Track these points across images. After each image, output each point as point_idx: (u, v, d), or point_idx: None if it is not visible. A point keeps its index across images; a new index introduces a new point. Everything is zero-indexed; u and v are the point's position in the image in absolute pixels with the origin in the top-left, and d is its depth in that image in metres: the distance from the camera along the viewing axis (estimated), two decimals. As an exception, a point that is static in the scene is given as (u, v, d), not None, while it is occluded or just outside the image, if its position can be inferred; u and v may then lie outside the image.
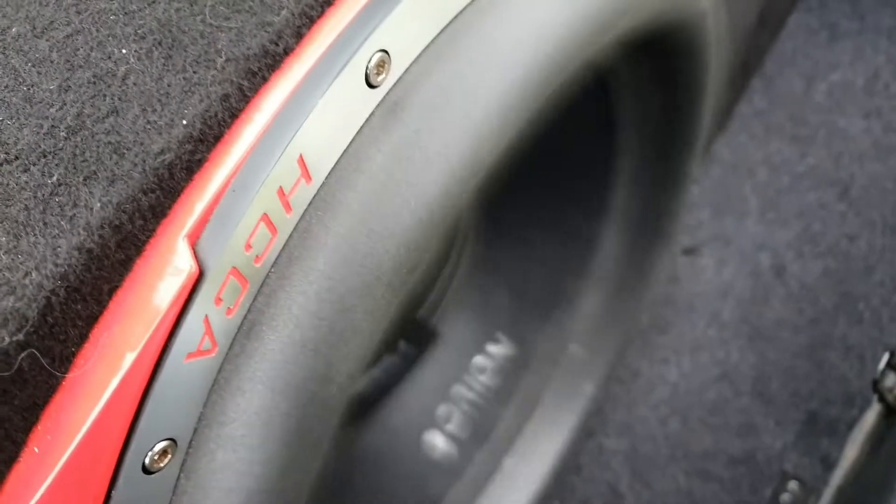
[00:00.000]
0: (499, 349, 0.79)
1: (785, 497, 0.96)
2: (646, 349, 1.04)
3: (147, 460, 0.32)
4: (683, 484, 0.98)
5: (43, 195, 0.30)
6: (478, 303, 0.79)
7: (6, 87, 0.33)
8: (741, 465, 0.98)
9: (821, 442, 0.98)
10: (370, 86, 0.35)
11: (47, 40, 0.34)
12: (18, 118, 0.32)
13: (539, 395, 0.80)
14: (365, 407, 0.74)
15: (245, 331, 0.33)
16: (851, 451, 0.93)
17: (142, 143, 0.31)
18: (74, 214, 0.29)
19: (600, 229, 0.72)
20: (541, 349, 0.79)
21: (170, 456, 0.33)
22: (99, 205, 0.30)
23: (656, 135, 0.63)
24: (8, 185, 0.30)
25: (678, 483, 0.98)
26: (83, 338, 0.30)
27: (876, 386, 0.92)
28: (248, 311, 0.33)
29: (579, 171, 0.68)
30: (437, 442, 0.77)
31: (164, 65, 0.33)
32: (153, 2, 0.35)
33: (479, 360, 0.79)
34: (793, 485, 0.96)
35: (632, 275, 0.76)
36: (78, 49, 0.34)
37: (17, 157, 0.31)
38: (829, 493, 0.92)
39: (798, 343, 1.02)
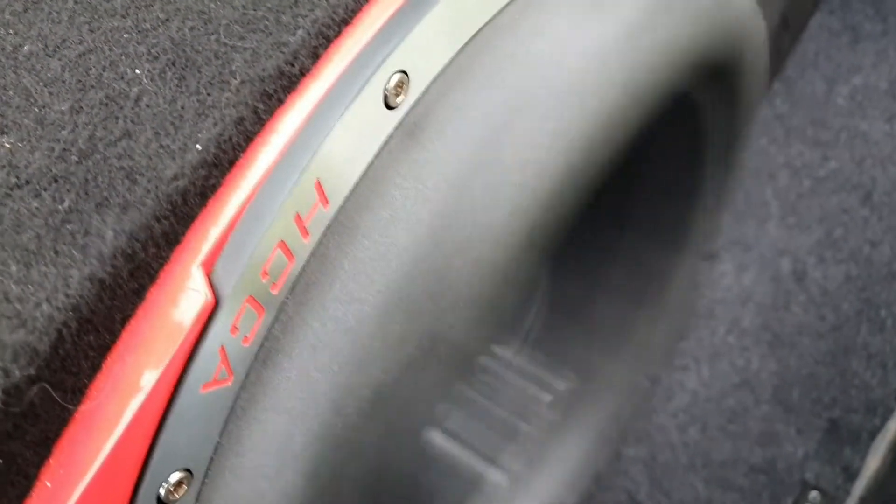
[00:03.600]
0: (561, 383, 0.79)
1: (806, 507, 0.95)
2: (665, 356, 1.03)
3: (163, 492, 0.31)
4: (703, 493, 0.97)
5: (54, 222, 0.29)
6: (541, 336, 0.78)
7: (18, 107, 0.32)
8: (761, 474, 0.96)
9: (843, 451, 0.96)
10: (388, 107, 0.34)
11: (59, 59, 0.33)
12: (30, 141, 0.31)
13: (601, 430, 0.80)
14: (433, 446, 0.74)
15: (262, 359, 0.33)
16: (873, 461, 0.92)
17: (155, 169, 0.30)
18: (86, 243, 0.29)
19: (678, 260, 0.70)
20: (605, 383, 0.79)
21: (185, 487, 0.32)
22: (112, 233, 0.29)
23: (727, 158, 0.62)
24: (19, 211, 0.29)
25: (697, 492, 0.97)
26: (96, 369, 0.29)
27: (900, 396, 0.90)
28: (265, 339, 0.33)
29: (665, 197, 0.66)
30: (490, 473, 0.77)
31: (177, 86, 0.32)
32: (167, 20, 0.34)
33: (541, 394, 0.79)
34: (814, 495, 0.94)
35: (663, 288, 0.75)
36: (90, 69, 0.33)
37: (28, 182, 0.30)
38: (850, 504, 0.91)
39: (819, 350, 1.01)
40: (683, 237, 0.68)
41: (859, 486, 0.90)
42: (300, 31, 0.33)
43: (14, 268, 0.28)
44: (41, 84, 0.33)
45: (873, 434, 0.95)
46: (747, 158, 1.11)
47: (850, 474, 0.95)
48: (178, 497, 0.32)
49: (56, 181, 0.30)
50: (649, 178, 0.63)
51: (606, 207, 0.63)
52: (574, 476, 0.81)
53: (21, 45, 0.34)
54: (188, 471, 0.32)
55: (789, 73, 1.14)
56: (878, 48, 1.14)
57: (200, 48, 0.33)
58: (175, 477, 0.31)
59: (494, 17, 0.37)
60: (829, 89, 1.13)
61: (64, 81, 0.33)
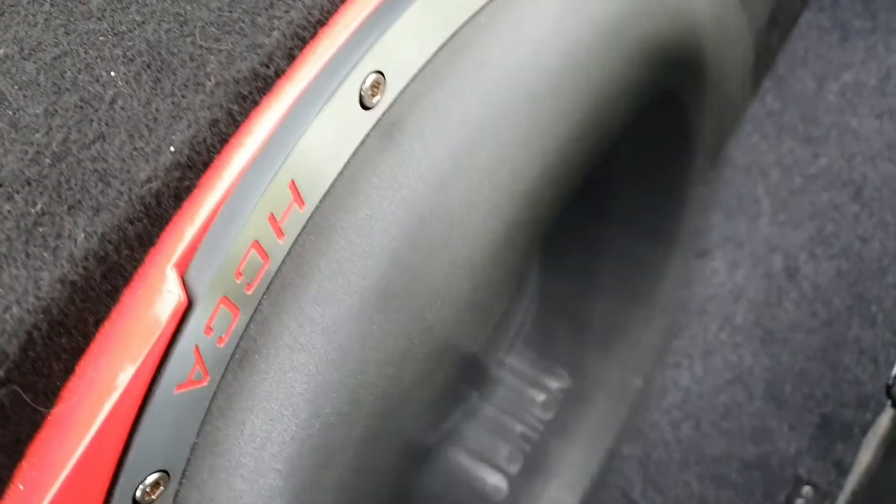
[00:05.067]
0: (554, 382, 0.79)
1: (799, 502, 0.95)
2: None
3: (139, 493, 0.31)
4: (697, 489, 0.97)
5: (26, 225, 0.29)
6: (534, 336, 0.78)
7: (-7, 111, 0.32)
8: (755, 470, 0.97)
9: (835, 446, 0.96)
10: (364, 107, 0.34)
11: (34, 62, 0.33)
12: (3, 144, 0.31)
13: (595, 429, 0.80)
14: (426, 447, 0.74)
15: (237, 359, 0.33)
16: (865, 456, 0.92)
17: (128, 171, 0.30)
18: (58, 245, 0.29)
19: (668, 257, 0.70)
20: (597, 381, 0.79)
21: (162, 488, 0.32)
22: (83, 235, 0.29)
23: (711, 153, 0.62)
24: (-8, 214, 0.29)
25: (691, 489, 0.97)
26: (69, 371, 0.29)
27: (889, 391, 0.90)
28: (241, 339, 0.33)
29: (652, 198, 0.66)
30: (488, 476, 0.77)
31: (152, 88, 0.32)
32: (143, 22, 0.34)
33: (534, 393, 0.79)
34: (807, 490, 0.94)
35: (654, 287, 0.75)
36: (66, 71, 0.33)
37: (0, 185, 0.30)
38: (843, 498, 0.91)
39: (811, 346, 1.01)
40: (667, 233, 0.68)
41: (852, 481, 0.90)
42: (275, 33, 0.33)
43: (-14, 271, 0.28)
44: (16, 87, 0.33)
45: (865, 429, 0.95)
46: (739, 156, 1.11)
47: (843, 469, 0.95)
48: (154, 498, 0.32)
49: (29, 184, 0.30)
50: (631, 176, 0.63)
51: (591, 205, 0.63)
52: (571, 476, 0.81)
53: (-3, 48, 0.34)
54: (165, 472, 0.32)
55: (780, 70, 1.14)
56: (867, 45, 1.14)
57: (176, 50, 0.33)
58: (151, 478, 0.31)
59: (472, 17, 0.37)
60: (820, 86, 1.13)
61: (39, 84, 0.33)
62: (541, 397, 0.79)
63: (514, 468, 0.78)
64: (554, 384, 0.79)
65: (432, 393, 0.40)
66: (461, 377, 0.77)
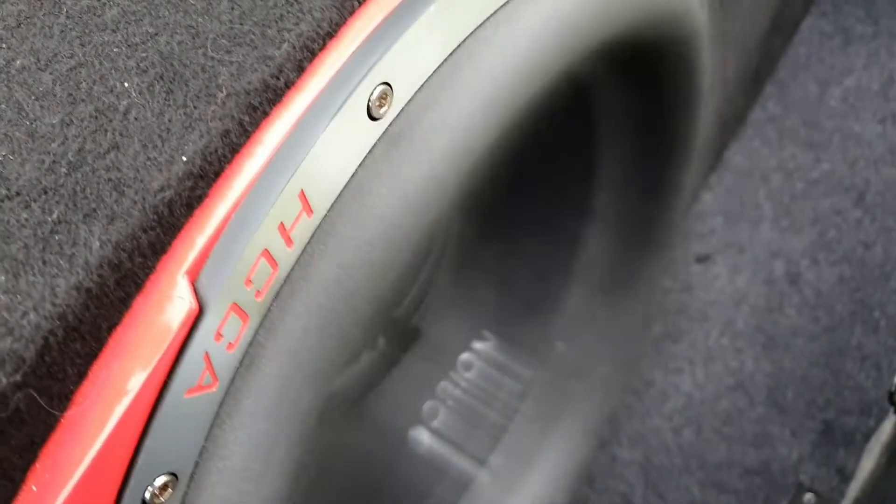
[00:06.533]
0: (485, 346, 0.79)
1: (801, 509, 0.95)
2: (659, 358, 1.03)
3: (147, 494, 0.32)
4: (698, 495, 0.97)
5: (43, 233, 0.30)
6: (463, 300, 0.79)
7: (10, 121, 0.33)
8: (756, 476, 0.97)
9: (837, 453, 0.97)
10: (372, 118, 0.34)
11: (51, 73, 0.34)
12: (21, 153, 0.32)
13: (524, 392, 0.79)
14: (348, 405, 0.74)
15: (246, 365, 0.33)
16: (868, 463, 0.92)
17: (142, 180, 0.31)
18: (74, 253, 0.29)
19: (585, 230, 0.71)
20: (526, 346, 0.79)
21: (171, 490, 0.33)
22: (98, 243, 0.30)
23: (641, 143, 0.63)
24: (8, 221, 0.30)
25: (692, 494, 0.97)
26: (82, 376, 0.30)
27: (892, 398, 0.91)
28: (250, 345, 0.33)
29: (564, 172, 0.68)
30: (423, 438, 0.77)
31: (165, 99, 0.33)
32: (156, 34, 0.35)
33: (465, 356, 0.79)
34: (809, 497, 0.95)
35: (620, 278, 0.75)
36: (81, 82, 0.34)
37: (18, 194, 0.31)
38: (845, 506, 0.91)
39: (813, 351, 1.01)
40: (589, 209, 0.69)
41: (854, 488, 0.90)
42: (285, 45, 0.34)
43: (2, 277, 0.29)
44: (33, 97, 0.33)
45: (867, 435, 0.95)
46: (740, 160, 1.11)
47: (845, 476, 0.95)
48: (163, 500, 0.33)
49: (45, 193, 0.31)
50: (552, 153, 0.65)
51: (569, 199, 0.64)
52: (547, 466, 0.81)
53: (14, 60, 0.35)
54: (173, 474, 0.33)
55: (782, 75, 1.15)
56: (869, 50, 1.15)
57: (188, 62, 0.34)
58: (160, 480, 0.32)
59: (477, 28, 0.38)
60: (822, 91, 1.14)
61: (55, 95, 0.33)
62: (472, 360, 0.79)
63: (449, 430, 0.78)
64: (483, 347, 0.80)
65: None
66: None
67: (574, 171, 0.67)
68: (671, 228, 0.72)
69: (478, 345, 0.78)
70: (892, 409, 0.89)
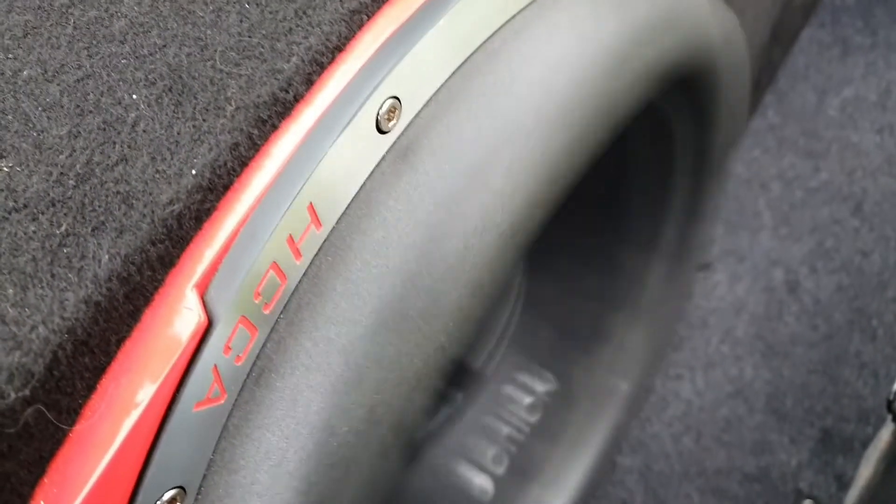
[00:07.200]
0: (540, 385, 0.79)
1: (800, 515, 0.95)
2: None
3: None
4: (697, 502, 0.97)
5: (51, 246, 0.30)
6: (520, 339, 0.79)
7: (17, 132, 0.33)
8: (755, 483, 0.97)
9: (836, 460, 0.97)
10: (380, 131, 0.34)
11: (58, 84, 0.34)
12: (28, 165, 0.32)
13: (580, 431, 0.80)
14: (415, 449, 0.74)
15: (254, 378, 0.33)
16: (866, 470, 0.92)
17: (150, 193, 0.31)
18: (82, 266, 0.29)
19: (647, 263, 0.71)
20: (583, 385, 0.79)
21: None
22: (107, 257, 0.30)
23: (694, 167, 0.63)
24: (16, 234, 0.30)
25: (692, 501, 0.97)
26: (91, 389, 0.30)
27: (890, 405, 0.91)
28: (258, 358, 0.33)
29: (633, 206, 0.67)
30: (474, 478, 0.77)
31: (173, 112, 0.33)
32: (164, 46, 0.35)
33: (519, 395, 0.79)
34: (807, 503, 0.95)
35: (670, 305, 0.75)
36: (88, 94, 0.34)
37: (25, 206, 0.31)
38: (843, 513, 0.91)
39: (812, 359, 1.01)
40: (660, 245, 0.69)
41: (852, 495, 0.91)
42: (294, 59, 0.34)
43: (11, 291, 0.29)
44: (40, 109, 0.33)
45: (866, 443, 0.96)
46: (740, 169, 1.12)
47: (843, 483, 0.95)
48: (171, 514, 0.32)
49: (53, 205, 0.31)
50: (624, 188, 0.65)
51: (585, 217, 0.64)
52: (558, 479, 0.81)
53: (20, 70, 0.35)
54: (182, 488, 0.32)
55: (781, 85, 1.15)
56: (867, 60, 1.15)
57: (196, 74, 0.34)
58: (168, 494, 0.32)
59: (484, 42, 0.38)
60: (820, 101, 1.14)
61: (62, 106, 0.33)
62: (527, 400, 0.79)
63: (500, 470, 0.78)
64: (540, 387, 0.80)
65: (431, 400, 0.40)
66: (461, 387, 0.77)
67: (644, 200, 0.66)
68: (704, 249, 0.73)
69: (533, 383, 0.79)
70: (889, 417, 0.89)
